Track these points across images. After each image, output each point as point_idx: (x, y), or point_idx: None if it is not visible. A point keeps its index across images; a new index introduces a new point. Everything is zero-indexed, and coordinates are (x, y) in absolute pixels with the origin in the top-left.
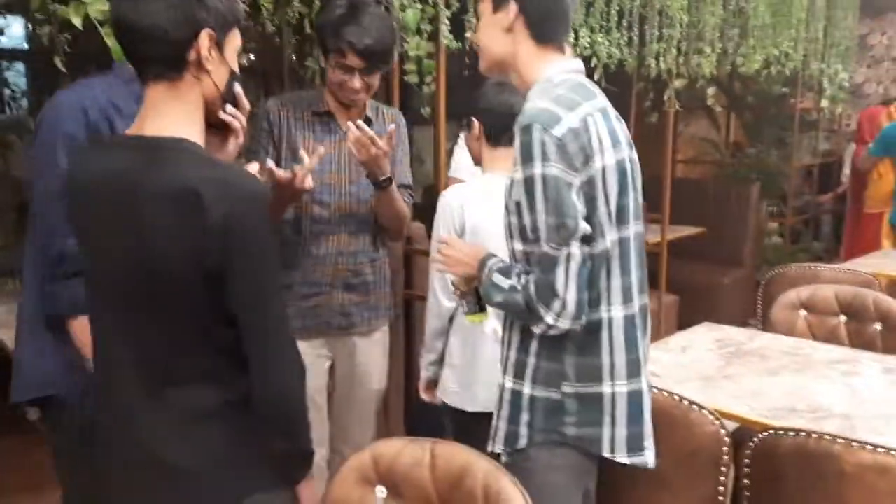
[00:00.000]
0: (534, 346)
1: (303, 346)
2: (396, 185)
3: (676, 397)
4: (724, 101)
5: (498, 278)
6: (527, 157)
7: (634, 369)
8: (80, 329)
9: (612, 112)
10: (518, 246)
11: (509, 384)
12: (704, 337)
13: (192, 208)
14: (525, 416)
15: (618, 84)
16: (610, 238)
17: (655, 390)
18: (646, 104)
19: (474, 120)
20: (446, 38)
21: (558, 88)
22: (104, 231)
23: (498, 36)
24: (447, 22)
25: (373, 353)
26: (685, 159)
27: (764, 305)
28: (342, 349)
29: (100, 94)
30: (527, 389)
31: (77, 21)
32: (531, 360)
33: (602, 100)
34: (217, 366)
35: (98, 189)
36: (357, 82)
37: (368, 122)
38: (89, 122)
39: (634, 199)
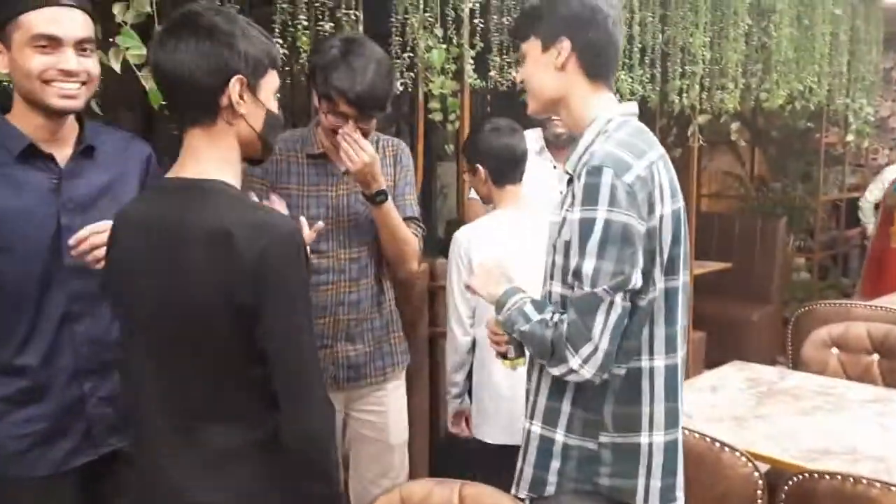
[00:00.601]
0: (569, 393)
1: None
2: (402, 217)
3: (708, 439)
4: (748, 135)
5: (529, 308)
6: (591, 199)
7: (673, 419)
8: None
9: (668, 160)
10: (556, 288)
11: (538, 430)
12: (734, 376)
13: (225, 249)
14: (555, 464)
15: (641, 120)
16: (658, 287)
17: (686, 431)
18: (669, 140)
19: (479, 165)
20: (470, 76)
21: (620, 132)
22: (142, 271)
23: (549, 75)
24: (471, 61)
25: (390, 405)
26: (709, 194)
27: (794, 343)
28: (354, 403)
29: None
30: (559, 437)
31: (116, 66)
32: (565, 408)
33: (660, 147)
34: (247, 405)
35: (138, 231)
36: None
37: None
38: None
39: (684, 249)
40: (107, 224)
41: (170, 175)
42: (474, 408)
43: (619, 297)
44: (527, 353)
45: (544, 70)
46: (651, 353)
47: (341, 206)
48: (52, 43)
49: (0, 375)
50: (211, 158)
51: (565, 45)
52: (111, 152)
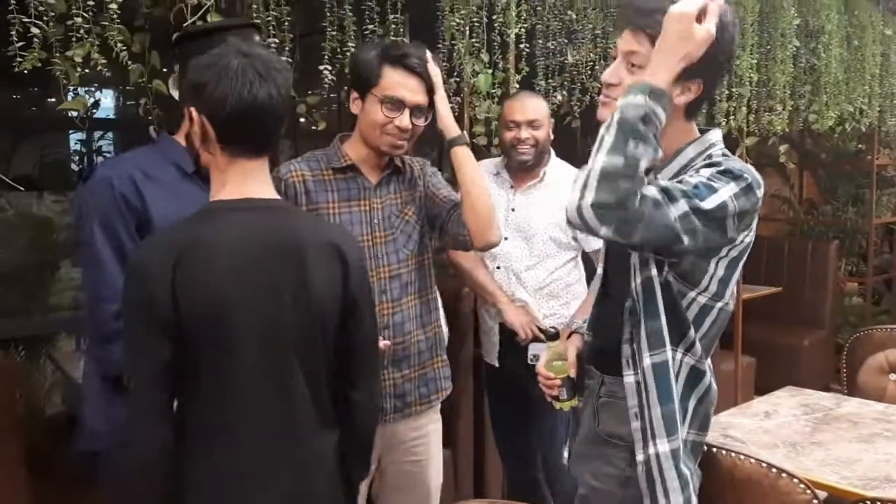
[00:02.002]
0: (688, 391)
1: None
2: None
3: (764, 464)
4: (796, 157)
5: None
6: (725, 179)
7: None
8: None
9: None
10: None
11: (666, 447)
12: (788, 401)
13: (337, 258)
14: (686, 470)
15: None
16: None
17: (741, 456)
18: None
19: None
20: None
21: (731, 157)
22: (253, 286)
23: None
24: (517, 86)
25: (430, 451)
26: (758, 217)
27: (849, 369)
28: (394, 437)
29: (127, 164)
30: (682, 436)
31: (175, 93)
32: (681, 406)
33: None
34: (329, 407)
35: (238, 248)
36: (406, 120)
37: (397, 171)
38: (115, 192)
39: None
40: None
41: (231, 197)
42: None
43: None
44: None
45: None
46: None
47: (376, 220)
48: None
49: None
50: (267, 181)
51: (695, 86)
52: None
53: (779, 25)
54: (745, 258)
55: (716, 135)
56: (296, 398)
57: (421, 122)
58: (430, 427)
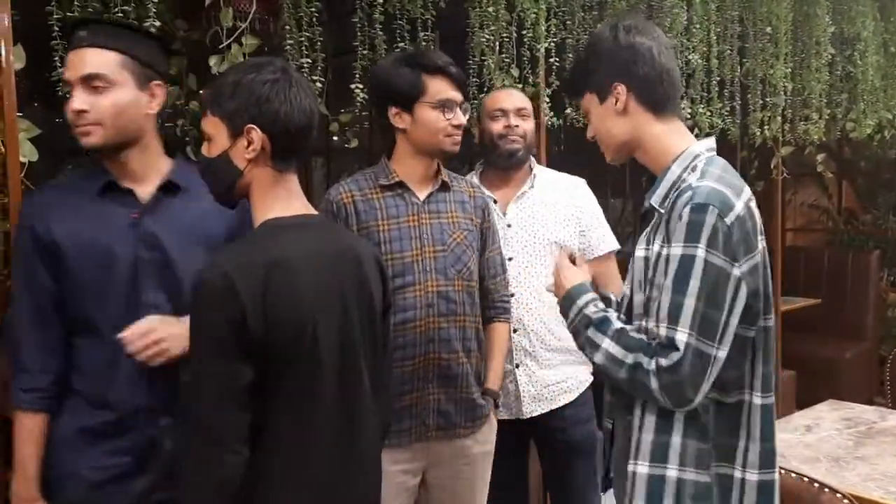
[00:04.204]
0: (679, 424)
1: (387, 457)
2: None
3: (806, 479)
4: (834, 166)
5: (594, 333)
6: (693, 237)
7: (768, 460)
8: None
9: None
10: (651, 324)
11: (645, 469)
12: (830, 415)
13: (379, 268)
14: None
15: (720, 152)
16: (760, 325)
17: (783, 471)
18: (751, 172)
19: None
20: (546, 114)
21: (712, 168)
22: (328, 297)
23: (615, 122)
24: (547, 99)
25: (476, 466)
26: (794, 227)
27: (892, 382)
28: (439, 455)
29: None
30: (672, 473)
31: None
32: (676, 440)
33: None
34: (378, 402)
35: (312, 263)
36: (460, 116)
37: (444, 186)
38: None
39: (771, 287)
40: (150, 324)
41: (286, 214)
42: None
43: (721, 351)
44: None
45: (609, 119)
46: (751, 388)
47: (424, 235)
48: (70, 86)
49: (87, 407)
50: (302, 195)
51: (620, 88)
52: (200, 191)
53: (813, 34)
54: (762, 271)
55: (700, 146)
56: (363, 401)
57: (466, 116)
58: (476, 450)
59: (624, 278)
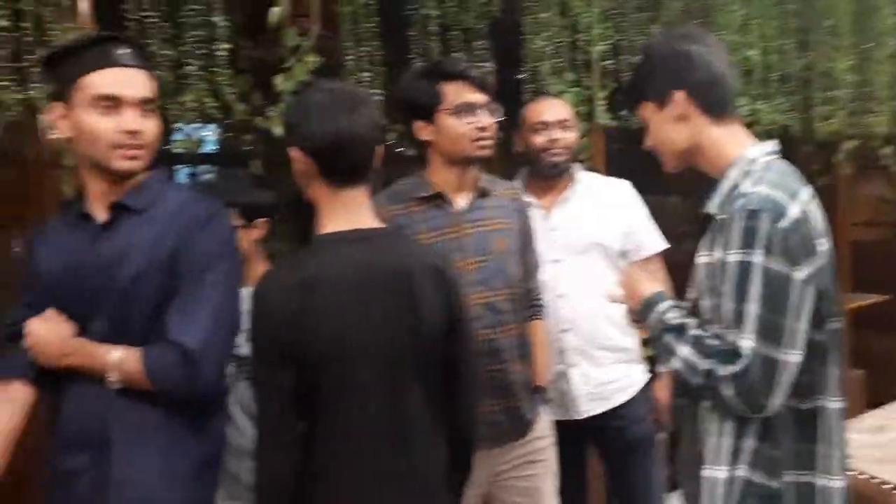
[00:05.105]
0: (755, 427)
1: None
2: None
3: (876, 480)
4: None
5: (672, 340)
6: (748, 243)
7: (841, 465)
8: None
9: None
10: (718, 331)
11: (724, 474)
12: None
13: (442, 279)
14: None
15: (781, 147)
16: (829, 327)
17: (854, 473)
18: (814, 167)
19: None
20: (601, 117)
21: (769, 173)
22: (368, 311)
23: (674, 130)
24: (602, 103)
25: (536, 477)
26: (861, 222)
27: None
28: (497, 462)
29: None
30: (743, 476)
31: (278, 130)
32: (749, 445)
33: (807, 185)
34: (441, 424)
35: (353, 278)
36: (483, 118)
37: (484, 193)
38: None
39: (836, 289)
40: (31, 324)
41: (341, 228)
42: None
43: (793, 356)
44: None
45: (668, 126)
46: (824, 392)
47: (467, 246)
48: (114, 103)
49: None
50: (369, 209)
51: (677, 96)
52: (158, 213)
53: (875, 25)
54: (828, 273)
55: (757, 150)
56: (411, 415)
57: (494, 118)
58: (536, 445)
59: (678, 280)
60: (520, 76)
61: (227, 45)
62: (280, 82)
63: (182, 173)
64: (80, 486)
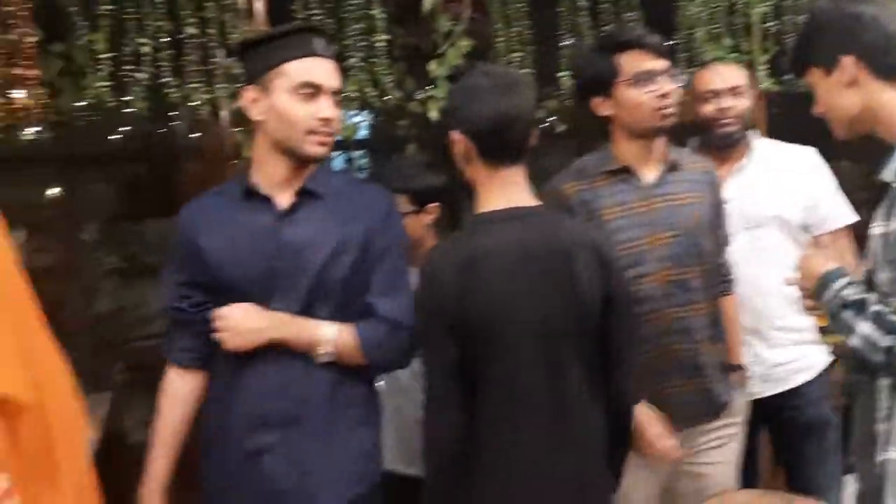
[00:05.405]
0: None
1: None
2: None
3: None
4: None
5: (851, 316)
6: None
7: None
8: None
9: None
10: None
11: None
12: None
13: (599, 256)
14: None
15: None
16: None
17: None
18: None
19: None
20: (764, 82)
21: None
22: (527, 287)
23: (844, 96)
24: (761, 68)
25: (716, 465)
26: None
27: None
28: (684, 443)
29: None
30: None
31: (434, 114)
32: None
33: None
34: (601, 391)
35: (512, 255)
36: (665, 86)
37: (675, 166)
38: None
39: None
40: (229, 310)
41: (500, 207)
42: None
43: None
44: None
45: (838, 93)
46: None
47: (657, 221)
48: (314, 91)
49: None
50: (526, 188)
51: (847, 60)
52: (339, 199)
53: None
54: None
55: None
56: (570, 390)
57: (677, 83)
58: (725, 432)
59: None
60: (672, 46)
61: (384, 36)
62: (434, 68)
63: (339, 160)
64: (269, 464)
